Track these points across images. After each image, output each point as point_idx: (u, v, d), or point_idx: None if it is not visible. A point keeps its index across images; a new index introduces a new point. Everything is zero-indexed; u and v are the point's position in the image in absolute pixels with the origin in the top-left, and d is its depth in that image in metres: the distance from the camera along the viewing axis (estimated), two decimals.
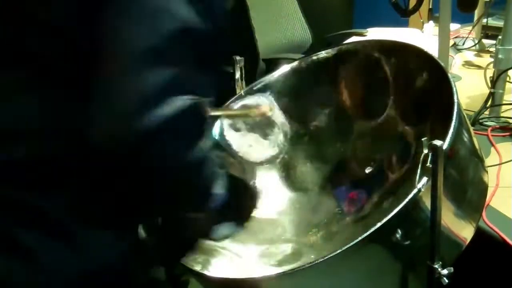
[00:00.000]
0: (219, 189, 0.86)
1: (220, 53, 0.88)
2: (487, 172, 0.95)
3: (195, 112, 0.72)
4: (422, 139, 0.79)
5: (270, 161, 1.20)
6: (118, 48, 0.68)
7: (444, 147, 0.75)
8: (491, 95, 1.48)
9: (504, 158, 1.25)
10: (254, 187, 1.02)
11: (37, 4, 0.72)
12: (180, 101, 0.69)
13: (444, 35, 1.55)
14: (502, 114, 1.48)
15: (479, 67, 1.95)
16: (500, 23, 1.74)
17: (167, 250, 0.99)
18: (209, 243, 1.00)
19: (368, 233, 0.74)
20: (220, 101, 1.22)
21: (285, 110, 1.22)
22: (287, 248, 1.03)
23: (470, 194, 0.89)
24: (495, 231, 1.00)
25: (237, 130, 1.20)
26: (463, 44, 2.21)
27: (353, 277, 0.83)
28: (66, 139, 0.74)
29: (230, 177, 0.90)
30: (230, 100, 1.20)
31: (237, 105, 1.21)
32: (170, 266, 1.02)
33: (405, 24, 2.65)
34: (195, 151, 0.73)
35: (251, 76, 1.25)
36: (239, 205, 0.98)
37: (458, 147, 0.84)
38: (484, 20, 2.18)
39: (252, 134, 1.21)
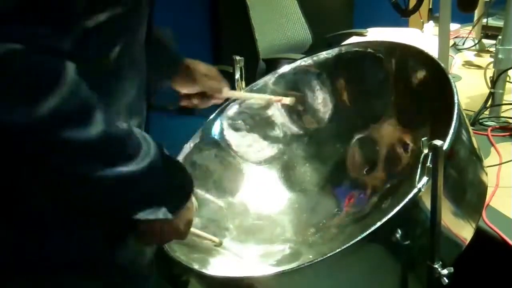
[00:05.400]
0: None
1: None
2: (486, 172, 0.95)
3: None
4: (422, 139, 0.78)
5: (269, 161, 1.20)
6: None
7: (444, 147, 0.75)
8: (491, 95, 1.47)
9: (504, 158, 1.24)
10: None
11: None
12: None
13: (444, 35, 1.55)
14: (502, 114, 1.48)
15: (479, 67, 1.95)
16: (500, 23, 1.74)
17: None
18: (208, 242, 1.00)
19: (367, 232, 0.74)
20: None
21: (285, 111, 1.22)
22: (286, 248, 1.03)
23: (470, 194, 0.89)
24: (495, 231, 1.00)
25: (236, 130, 1.20)
26: (463, 44, 2.21)
27: (353, 277, 0.83)
28: None
29: None
30: (230, 100, 1.20)
31: (237, 106, 1.21)
32: None
33: (405, 24, 2.65)
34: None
35: (251, 76, 1.25)
36: None
37: (458, 147, 0.84)
38: (484, 20, 2.18)
39: (251, 134, 1.21)
